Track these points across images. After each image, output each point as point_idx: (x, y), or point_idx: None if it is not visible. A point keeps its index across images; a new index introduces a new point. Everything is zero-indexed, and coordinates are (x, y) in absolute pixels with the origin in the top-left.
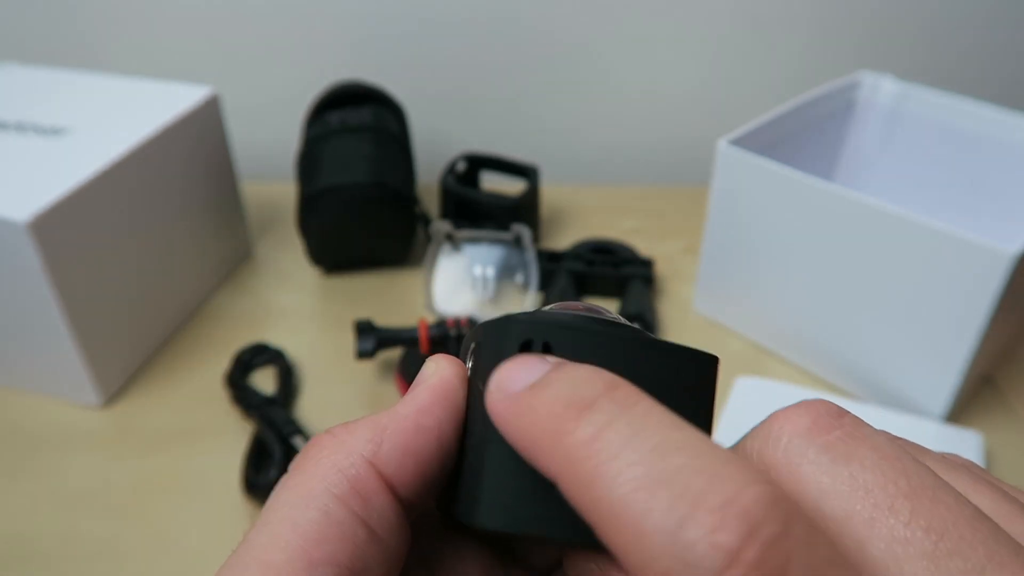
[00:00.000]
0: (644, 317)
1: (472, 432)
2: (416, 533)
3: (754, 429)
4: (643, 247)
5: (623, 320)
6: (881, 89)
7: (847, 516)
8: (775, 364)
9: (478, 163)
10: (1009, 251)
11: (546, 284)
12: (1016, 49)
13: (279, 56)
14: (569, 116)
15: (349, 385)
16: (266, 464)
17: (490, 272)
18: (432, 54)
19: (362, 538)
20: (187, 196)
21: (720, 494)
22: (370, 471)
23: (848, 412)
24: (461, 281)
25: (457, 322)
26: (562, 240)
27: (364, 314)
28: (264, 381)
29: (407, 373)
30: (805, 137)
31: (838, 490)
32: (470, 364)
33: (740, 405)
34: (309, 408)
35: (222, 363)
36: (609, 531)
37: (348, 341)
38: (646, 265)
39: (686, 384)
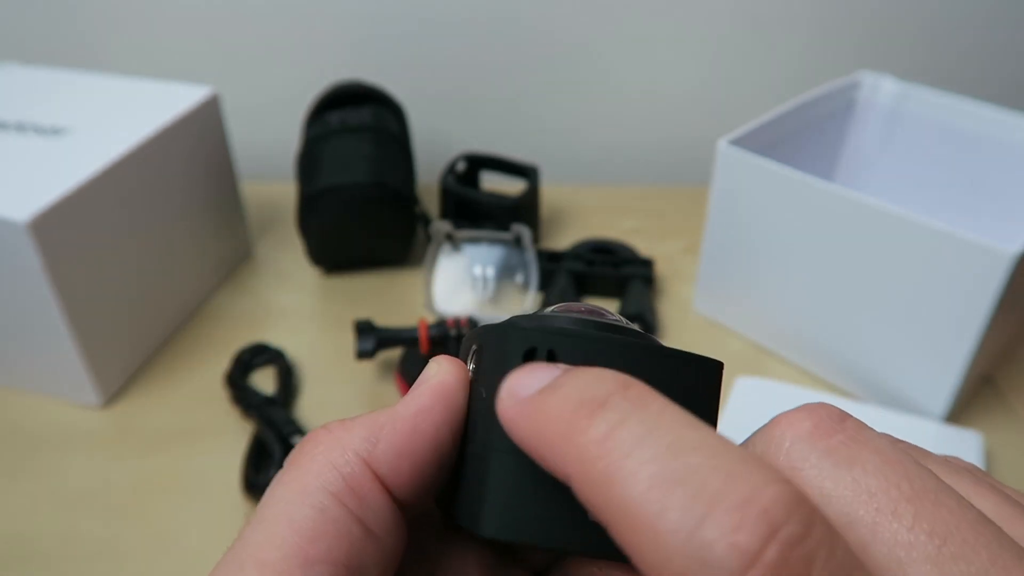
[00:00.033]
0: (644, 317)
1: (474, 438)
2: (415, 531)
3: (756, 433)
4: (643, 247)
5: (625, 322)
6: (881, 89)
7: (850, 521)
8: (775, 364)
9: (478, 163)
10: (1009, 251)
11: (546, 284)
12: (1016, 49)
13: (279, 56)
14: (569, 116)
15: (349, 385)
16: (266, 464)
17: (490, 272)
18: (432, 54)
19: (357, 535)
20: (187, 196)
21: (739, 493)
22: (365, 470)
23: (850, 416)
24: (461, 281)
25: (457, 322)
26: (562, 240)
27: (364, 314)
28: (264, 381)
29: (407, 373)
30: (805, 137)
31: (841, 495)
32: (471, 367)
33: (740, 405)
34: (309, 408)
35: (222, 363)
36: (623, 531)
37: (348, 341)
38: (646, 265)
39: (691, 390)
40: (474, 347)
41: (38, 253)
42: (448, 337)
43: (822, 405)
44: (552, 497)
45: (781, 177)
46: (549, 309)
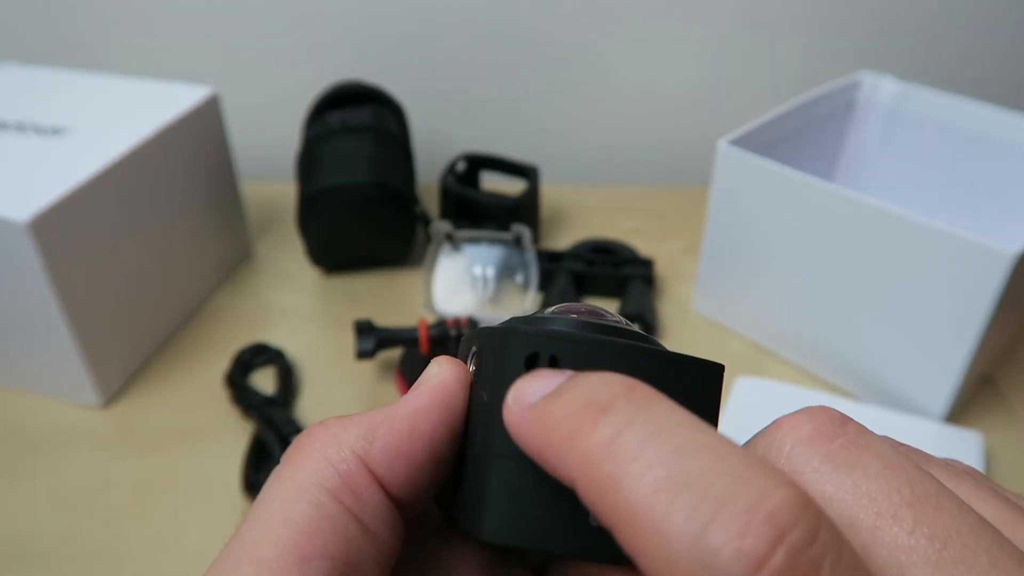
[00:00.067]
0: (644, 317)
1: (475, 440)
2: (414, 530)
3: (757, 436)
4: (643, 247)
5: (625, 322)
6: (881, 89)
7: (850, 524)
8: (775, 364)
9: (478, 163)
10: (1009, 251)
11: (546, 284)
12: (1016, 49)
13: (279, 56)
14: (569, 116)
15: (349, 385)
16: (266, 464)
17: (490, 272)
18: (432, 54)
19: (354, 532)
20: (187, 196)
21: (746, 497)
22: (361, 467)
23: (851, 420)
24: (461, 281)
25: (457, 322)
26: (562, 240)
27: (364, 314)
28: (264, 381)
29: (407, 373)
30: (805, 137)
31: (841, 499)
32: (472, 369)
33: (740, 405)
34: (309, 408)
35: (222, 363)
36: (628, 534)
37: (348, 341)
38: (646, 265)
39: (693, 393)
40: (474, 349)
41: (38, 253)
42: (448, 337)
43: (823, 409)
44: (554, 501)
45: (781, 177)
46: (549, 310)
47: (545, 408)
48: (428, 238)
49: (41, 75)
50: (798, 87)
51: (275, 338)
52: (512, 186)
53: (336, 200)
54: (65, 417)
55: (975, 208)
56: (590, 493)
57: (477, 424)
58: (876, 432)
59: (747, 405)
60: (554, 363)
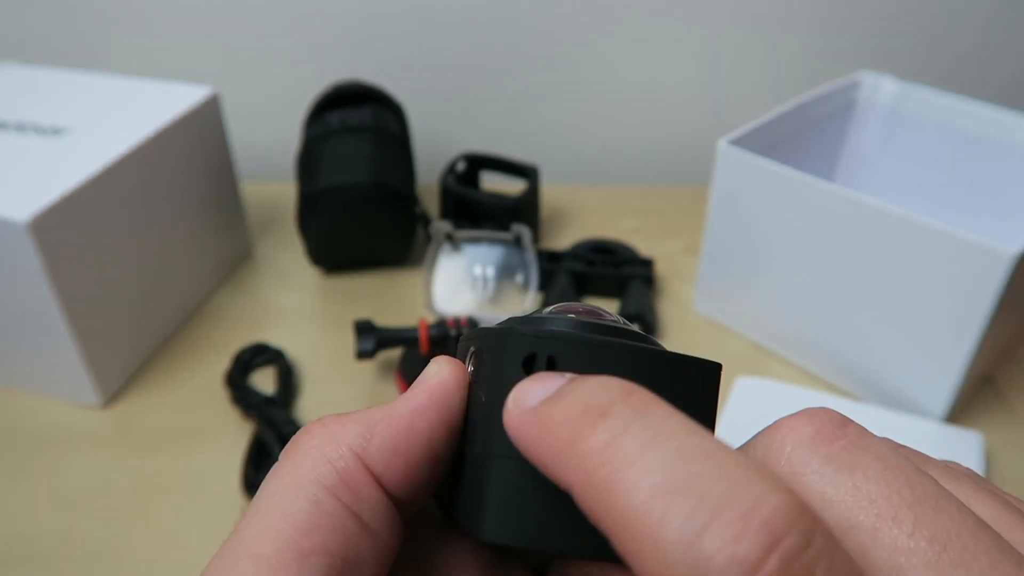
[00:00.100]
0: (644, 317)
1: (474, 440)
2: (413, 528)
3: (757, 436)
4: (643, 247)
5: (623, 322)
6: (881, 89)
7: (850, 526)
8: (775, 364)
9: (478, 163)
10: (1009, 251)
11: (546, 284)
12: (1016, 49)
13: (279, 56)
14: (569, 116)
15: (349, 385)
16: (266, 464)
17: (490, 272)
18: (432, 54)
19: (352, 529)
20: (187, 196)
21: (740, 503)
22: (359, 465)
23: (852, 421)
24: (461, 281)
25: (457, 322)
26: (562, 240)
27: (364, 314)
28: (264, 381)
29: (407, 373)
30: (805, 137)
31: (842, 500)
32: (470, 369)
33: (740, 405)
34: (309, 408)
35: (222, 363)
36: (624, 540)
37: (348, 341)
38: (646, 265)
39: (690, 392)
40: (472, 349)
41: (38, 253)
42: (448, 337)
43: (824, 410)
44: (553, 501)
45: (781, 177)
46: (547, 310)
47: (544, 412)
48: (428, 238)
49: (41, 75)
50: (798, 87)
51: (275, 338)
52: (512, 186)
53: (336, 200)
54: (65, 417)
55: (975, 208)
56: (587, 497)
57: (476, 424)
58: (876, 432)
59: (747, 405)
60: (552, 364)
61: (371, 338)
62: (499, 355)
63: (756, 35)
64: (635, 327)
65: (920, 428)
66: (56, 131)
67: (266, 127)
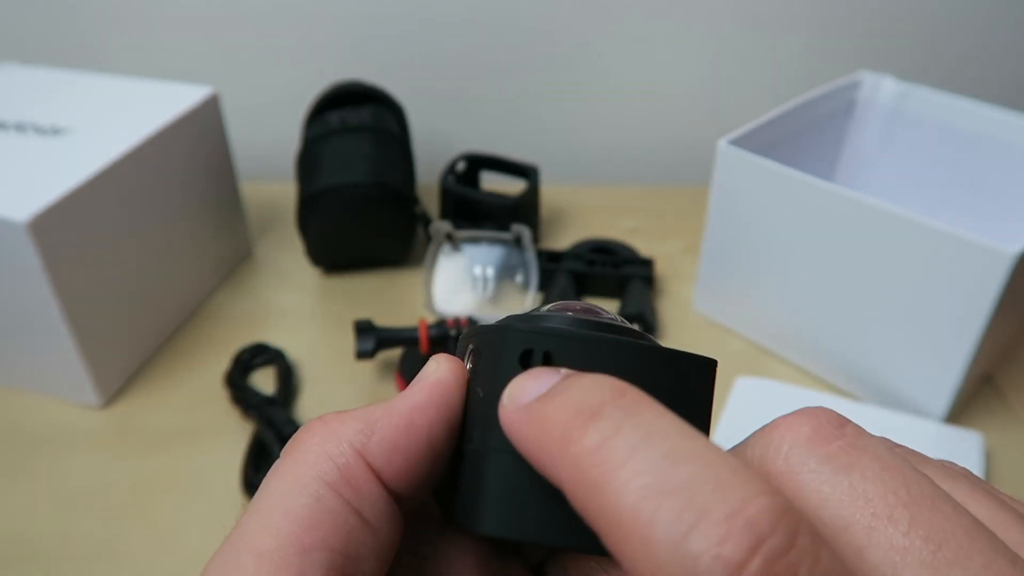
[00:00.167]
0: (644, 317)
1: (472, 436)
2: (413, 524)
3: (755, 435)
4: (643, 247)
5: (620, 320)
6: (881, 89)
7: (846, 525)
8: (775, 364)
9: (478, 163)
10: (1009, 251)
11: (546, 284)
12: (1016, 49)
13: (279, 56)
14: (569, 116)
15: (349, 385)
16: (266, 464)
17: (490, 272)
18: (432, 54)
19: (353, 524)
20: (187, 196)
21: (727, 505)
22: (359, 461)
23: (849, 421)
24: (461, 281)
25: (457, 322)
26: (562, 240)
27: (364, 314)
28: (264, 381)
29: (407, 373)
30: (805, 137)
31: (838, 499)
32: (469, 366)
33: (740, 405)
34: (309, 408)
35: (222, 363)
36: (615, 539)
37: (348, 341)
38: (646, 265)
39: (685, 388)
40: (471, 347)
41: (38, 253)
42: (448, 337)
43: (821, 410)
44: (549, 496)
45: (781, 177)
46: (545, 308)
47: (539, 409)
48: (428, 238)
49: (41, 75)
50: (798, 87)
51: (275, 338)
52: (512, 186)
53: (336, 200)
54: (65, 417)
55: (975, 208)
56: (579, 496)
57: (474, 420)
58: (876, 432)
59: (747, 405)
60: (548, 360)
61: (371, 338)
62: (496, 351)
63: (756, 35)
64: (635, 326)
65: (920, 428)
66: (56, 131)
67: (266, 127)
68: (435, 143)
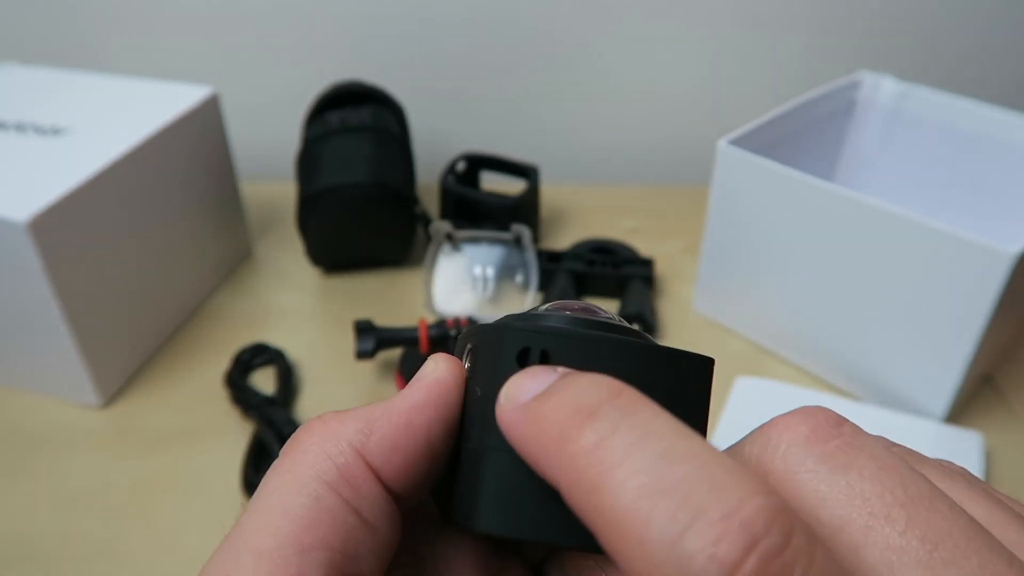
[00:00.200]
0: (644, 317)
1: (470, 435)
2: (412, 523)
3: (753, 434)
4: (643, 247)
5: (618, 319)
6: (881, 89)
7: (843, 524)
8: (775, 364)
9: (478, 163)
10: (1009, 251)
11: (546, 284)
12: (1016, 49)
13: (279, 56)
14: (569, 116)
15: (349, 385)
16: (266, 464)
17: (490, 272)
18: (432, 54)
19: (352, 524)
20: (187, 196)
21: (722, 505)
22: (358, 461)
23: (847, 421)
24: (461, 281)
25: (457, 322)
26: (562, 240)
27: (364, 314)
28: (264, 381)
29: (407, 373)
30: (805, 137)
31: (835, 499)
32: (467, 365)
33: (740, 405)
34: (309, 408)
35: (222, 363)
36: (611, 539)
37: (348, 341)
38: (646, 265)
39: (683, 387)
40: (469, 346)
41: (38, 253)
42: (448, 337)
43: (819, 409)
44: (547, 494)
45: (781, 177)
46: (543, 307)
47: (536, 408)
48: (428, 238)
49: (41, 75)
50: (798, 87)
51: (275, 338)
52: (512, 186)
53: (336, 200)
54: (65, 417)
55: (975, 208)
56: (575, 496)
57: (472, 418)
58: (875, 432)
59: (747, 405)
60: (545, 358)
61: (371, 338)
62: (494, 350)
63: (756, 35)
64: (634, 326)
65: (920, 428)
66: (56, 131)
67: (266, 127)
68: (435, 143)
